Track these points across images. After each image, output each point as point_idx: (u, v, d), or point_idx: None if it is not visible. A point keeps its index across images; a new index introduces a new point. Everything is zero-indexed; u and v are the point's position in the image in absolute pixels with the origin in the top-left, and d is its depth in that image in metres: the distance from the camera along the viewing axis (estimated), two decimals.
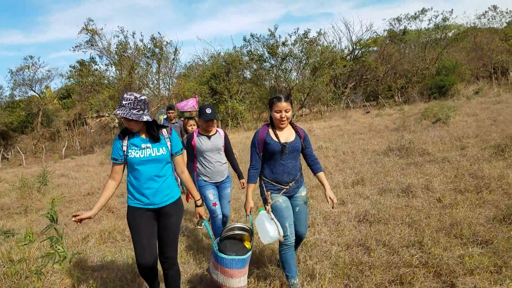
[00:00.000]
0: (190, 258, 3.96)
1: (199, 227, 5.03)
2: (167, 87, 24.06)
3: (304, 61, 24.52)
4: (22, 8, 78.05)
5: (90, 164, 14.01)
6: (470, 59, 28.88)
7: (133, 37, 20.45)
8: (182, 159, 2.94)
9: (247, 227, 3.13)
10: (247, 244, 3.10)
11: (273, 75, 25.05)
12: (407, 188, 5.01)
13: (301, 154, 3.17)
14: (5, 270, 3.38)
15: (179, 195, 2.94)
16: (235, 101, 24.82)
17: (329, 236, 4.03)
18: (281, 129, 3.04)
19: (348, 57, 30.06)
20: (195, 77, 28.79)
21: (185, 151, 3.31)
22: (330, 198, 3.03)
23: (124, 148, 2.72)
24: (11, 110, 24.83)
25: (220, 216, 4.09)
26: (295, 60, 24.15)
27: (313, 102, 28.64)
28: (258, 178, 3.13)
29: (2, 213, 6.77)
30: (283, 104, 2.92)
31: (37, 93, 26.20)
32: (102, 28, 20.23)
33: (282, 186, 3.04)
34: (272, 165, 3.05)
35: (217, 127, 4.29)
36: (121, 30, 20.43)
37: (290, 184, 3.04)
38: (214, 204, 4.03)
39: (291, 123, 3.12)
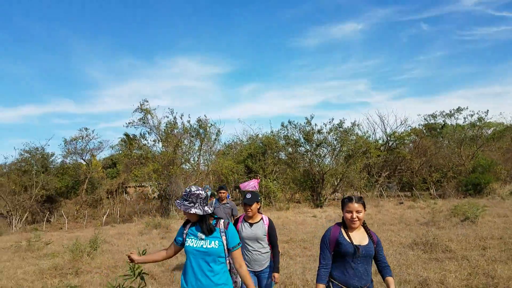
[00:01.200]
0: None
1: None
2: (206, 163, 25.47)
3: (338, 149, 25.49)
4: (74, 80, 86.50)
5: (130, 232, 14.88)
6: (506, 159, 28.82)
7: (181, 118, 22.32)
8: (239, 253, 2.92)
9: None
10: None
11: (307, 159, 26.02)
12: (424, 281, 5.45)
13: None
14: None
15: None
16: (269, 180, 25.72)
17: None
18: (352, 229, 2.99)
19: (382, 148, 30.81)
20: (232, 156, 30.33)
21: (241, 246, 3.22)
22: None
23: (184, 235, 2.90)
24: (61, 176, 26.92)
25: None
26: (329, 147, 25.20)
27: (346, 187, 29.02)
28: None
29: (56, 272, 7.60)
30: (355, 205, 2.91)
31: (85, 161, 28.36)
32: (155, 109, 22.51)
33: None
34: (342, 267, 2.94)
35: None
36: (171, 111, 22.47)
37: None
38: None
39: (365, 227, 3.07)
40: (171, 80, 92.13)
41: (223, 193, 6.96)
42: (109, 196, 28.83)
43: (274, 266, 4.01)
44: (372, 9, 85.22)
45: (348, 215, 2.92)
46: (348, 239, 2.91)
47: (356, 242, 2.91)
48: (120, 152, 29.27)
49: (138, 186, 30.64)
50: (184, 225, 2.93)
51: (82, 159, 27.77)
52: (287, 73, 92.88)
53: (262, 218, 4.07)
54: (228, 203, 6.90)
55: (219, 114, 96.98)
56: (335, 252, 2.94)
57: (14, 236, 17.24)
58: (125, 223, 20.45)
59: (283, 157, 30.12)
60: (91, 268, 7.79)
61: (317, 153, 25.83)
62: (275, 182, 26.54)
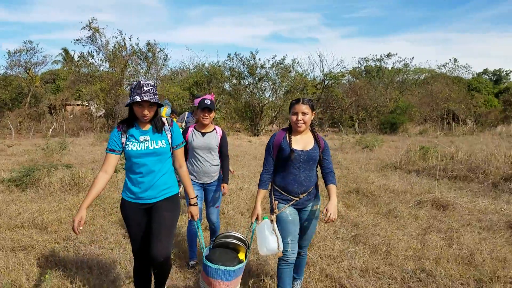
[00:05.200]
0: (177, 267, 3.77)
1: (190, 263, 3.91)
2: None
3: (278, 84, 27.65)
4: None
5: (81, 144, 16.33)
6: (422, 103, 32.93)
7: (130, 40, 22.89)
8: (181, 152, 2.85)
9: (244, 238, 2.90)
10: (242, 256, 2.84)
11: (249, 92, 28.00)
12: None
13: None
14: None
15: (176, 193, 2.86)
16: None
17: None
18: (298, 133, 2.90)
19: (319, 86, 33.50)
20: (178, 82, 31.41)
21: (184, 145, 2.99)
22: (327, 210, 2.71)
23: (123, 139, 2.66)
24: (4, 87, 26.59)
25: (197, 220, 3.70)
26: (270, 81, 27.26)
27: (282, 120, 31.81)
28: (270, 184, 2.98)
29: (32, 164, 9.21)
30: (301, 107, 2.80)
31: (29, 74, 28.06)
32: (103, 28, 22.74)
33: (291, 196, 2.87)
34: (283, 173, 2.89)
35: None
36: (119, 32, 22.87)
37: (301, 196, 2.87)
38: None
39: (313, 131, 2.99)
40: None
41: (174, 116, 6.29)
42: (52, 111, 29.06)
43: (223, 177, 3.93)
44: None
45: (294, 117, 2.83)
46: (288, 144, 2.85)
47: (299, 147, 2.85)
48: (65, 68, 29.09)
49: (78, 104, 30.93)
50: (120, 129, 2.68)
51: (26, 72, 27.38)
52: None
53: (215, 128, 3.95)
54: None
55: (166, 36, 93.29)
56: (278, 158, 2.90)
57: None
58: (71, 138, 21.56)
59: (227, 88, 31.80)
60: (63, 163, 9.46)
61: (259, 86, 27.83)
62: (218, 111, 28.41)
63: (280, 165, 2.90)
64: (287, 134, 2.89)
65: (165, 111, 5.34)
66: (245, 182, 7.89)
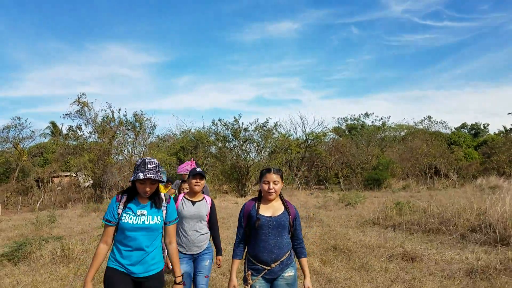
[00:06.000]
0: None
1: None
2: (140, 155, 27.16)
3: (262, 145, 28.66)
4: None
5: (69, 216, 16.45)
6: (403, 159, 34.16)
7: (119, 112, 23.85)
8: (174, 229, 2.89)
9: None
10: None
11: (235, 154, 28.84)
12: None
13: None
14: None
15: (162, 268, 2.89)
16: None
17: None
18: (268, 201, 2.98)
19: (302, 145, 34.61)
20: (165, 148, 32.17)
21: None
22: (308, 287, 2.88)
23: (120, 210, 2.70)
24: None
25: None
26: (254, 143, 28.29)
27: None
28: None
29: (23, 238, 9.44)
30: (273, 176, 2.90)
31: (17, 149, 28.52)
32: (92, 102, 23.78)
33: (263, 266, 2.87)
34: (254, 241, 2.93)
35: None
36: (108, 105, 23.95)
37: (272, 265, 2.86)
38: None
39: (282, 199, 3.06)
40: (102, 66, 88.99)
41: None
42: (39, 185, 29.16)
43: (217, 249, 3.98)
44: (308, 9, 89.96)
45: (265, 186, 2.92)
46: (256, 211, 2.90)
47: (268, 213, 2.91)
48: (53, 141, 29.70)
49: (65, 176, 31.15)
50: (119, 200, 2.74)
51: (14, 147, 27.90)
52: (223, 67, 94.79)
53: (204, 197, 3.98)
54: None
55: (152, 104, 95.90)
56: (249, 227, 2.94)
57: None
58: (59, 210, 21.57)
59: (213, 151, 32.64)
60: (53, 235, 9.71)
61: (243, 148, 28.74)
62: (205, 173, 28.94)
63: (251, 234, 2.95)
64: (256, 203, 2.99)
65: (164, 190, 5.47)
66: (229, 244, 8.25)
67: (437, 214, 9.64)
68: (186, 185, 4.95)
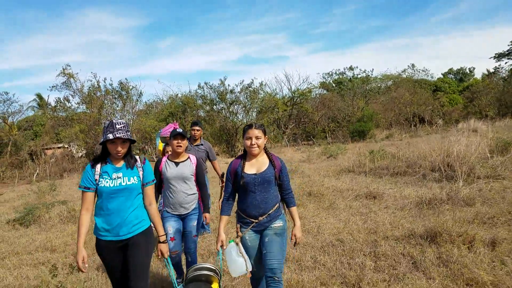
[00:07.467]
0: None
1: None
2: (129, 123, 27.74)
3: (248, 106, 29.31)
4: None
5: (67, 184, 17.27)
6: (386, 110, 35.13)
7: (104, 81, 24.13)
8: (152, 190, 2.93)
9: (215, 268, 3.00)
10: (215, 286, 2.94)
11: (223, 116, 29.52)
12: None
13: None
14: None
15: (149, 225, 2.93)
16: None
17: None
18: (253, 157, 3.03)
19: (288, 103, 35.32)
20: (154, 114, 32.70)
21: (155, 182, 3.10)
22: (294, 235, 3.02)
23: (97, 176, 2.73)
24: None
25: (178, 253, 3.82)
26: (241, 105, 28.91)
27: None
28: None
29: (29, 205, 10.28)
30: (254, 131, 2.94)
31: (8, 124, 28.89)
32: (77, 73, 24.01)
33: (251, 219, 2.98)
34: (242, 196, 3.02)
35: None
36: (94, 75, 24.16)
37: (260, 219, 2.96)
38: (172, 239, 3.73)
39: (267, 153, 3.10)
40: (82, 34, 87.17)
41: (198, 130, 5.80)
42: (33, 158, 29.78)
43: (204, 207, 3.94)
44: None
45: (248, 142, 2.96)
46: (242, 169, 2.94)
47: (253, 170, 2.96)
48: (43, 114, 30.02)
49: (58, 148, 31.75)
50: (94, 166, 2.78)
51: (5, 122, 28.24)
52: (206, 26, 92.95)
53: (189, 157, 3.94)
54: (202, 144, 5.83)
55: (137, 70, 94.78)
56: (236, 183, 3.01)
57: None
58: (57, 180, 22.38)
59: (202, 114, 33.24)
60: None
61: (231, 110, 29.40)
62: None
63: (239, 190, 3.03)
64: (242, 161, 3.04)
65: (161, 145, 5.40)
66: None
67: (405, 159, 10.63)
68: (169, 149, 4.90)
